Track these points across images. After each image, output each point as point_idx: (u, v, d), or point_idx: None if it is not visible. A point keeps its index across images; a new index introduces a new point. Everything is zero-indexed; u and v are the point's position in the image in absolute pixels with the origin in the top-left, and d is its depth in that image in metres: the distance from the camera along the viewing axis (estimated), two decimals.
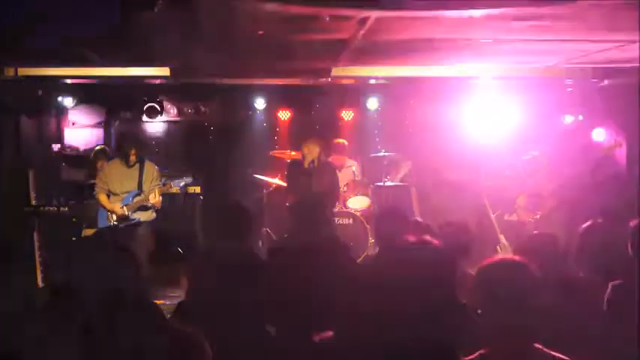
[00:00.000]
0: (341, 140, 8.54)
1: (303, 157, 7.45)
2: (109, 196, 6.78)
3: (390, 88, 8.55)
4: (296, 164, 7.63)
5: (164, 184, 6.94)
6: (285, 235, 5.38)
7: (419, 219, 7.82)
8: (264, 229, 8.37)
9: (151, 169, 6.87)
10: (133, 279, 2.65)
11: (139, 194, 6.74)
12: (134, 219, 6.71)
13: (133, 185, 6.76)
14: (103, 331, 2.33)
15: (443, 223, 4.35)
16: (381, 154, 8.30)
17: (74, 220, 7.95)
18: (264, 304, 3.05)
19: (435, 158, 8.79)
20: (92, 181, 7.40)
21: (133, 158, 6.73)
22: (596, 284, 3.55)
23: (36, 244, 8.02)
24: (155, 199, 6.70)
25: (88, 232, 7.45)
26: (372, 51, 5.79)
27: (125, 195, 6.73)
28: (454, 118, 8.55)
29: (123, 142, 6.78)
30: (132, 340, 2.29)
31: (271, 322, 3.20)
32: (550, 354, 2.48)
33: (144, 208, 6.78)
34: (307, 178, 7.25)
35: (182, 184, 7.24)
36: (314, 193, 6.97)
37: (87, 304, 2.49)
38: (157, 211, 6.98)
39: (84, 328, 2.37)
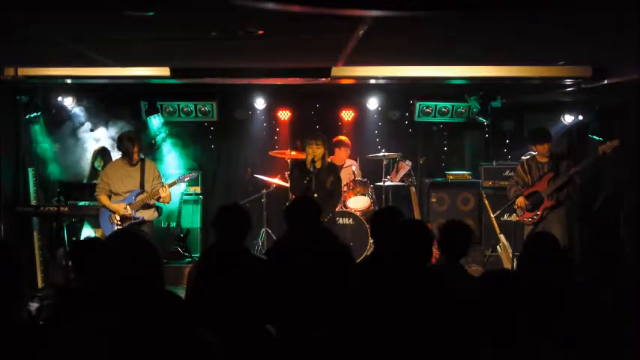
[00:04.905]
0: (343, 138, 8.52)
1: (307, 157, 7.40)
2: (110, 197, 6.79)
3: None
4: (299, 164, 7.60)
5: (173, 181, 6.93)
6: (284, 236, 5.35)
7: (418, 219, 7.90)
8: (264, 229, 8.36)
9: (151, 167, 6.90)
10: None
11: (141, 193, 6.75)
12: (138, 217, 6.73)
13: (134, 184, 6.78)
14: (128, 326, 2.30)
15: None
16: (381, 154, 8.29)
17: (74, 220, 7.95)
18: (264, 303, 3.05)
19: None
20: (93, 182, 7.40)
21: (136, 156, 6.76)
22: (597, 285, 3.55)
23: (36, 244, 8.03)
24: (165, 192, 6.72)
25: (88, 232, 7.44)
26: (372, 51, 5.78)
27: (127, 194, 6.75)
28: None
29: (125, 140, 6.77)
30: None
31: (271, 321, 3.21)
32: None
33: (147, 206, 6.79)
34: (311, 178, 7.22)
35: (187, 178, 7.26)
36: (315, 195, 6.94)
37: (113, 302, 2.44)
38: (156, 210, 6.99)
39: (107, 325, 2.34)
